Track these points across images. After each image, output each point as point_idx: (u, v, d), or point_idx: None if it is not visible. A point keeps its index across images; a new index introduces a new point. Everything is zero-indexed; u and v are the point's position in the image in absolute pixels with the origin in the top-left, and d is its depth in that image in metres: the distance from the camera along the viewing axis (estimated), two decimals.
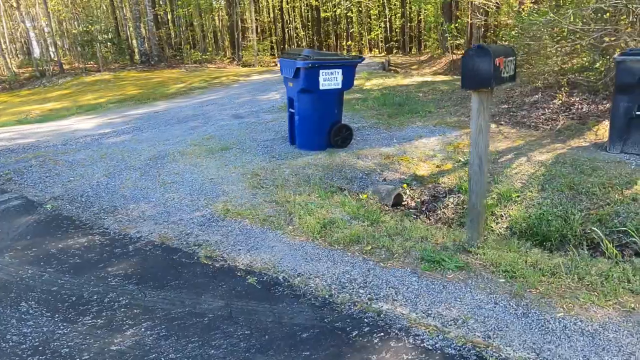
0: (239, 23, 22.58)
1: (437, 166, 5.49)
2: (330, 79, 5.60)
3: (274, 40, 26.41)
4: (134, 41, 20.70)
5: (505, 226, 4.32)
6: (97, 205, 4.15)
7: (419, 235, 3.25)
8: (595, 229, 3.53)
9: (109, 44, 19.53)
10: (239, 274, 2.80)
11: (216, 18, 25.05)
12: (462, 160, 5.52)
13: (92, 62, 19.51)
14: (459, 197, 4.85)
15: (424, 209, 4.78)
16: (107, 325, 2.28)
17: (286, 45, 39.39)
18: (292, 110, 5.93)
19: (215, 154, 5.80)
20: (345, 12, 31.08)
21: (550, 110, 7.29)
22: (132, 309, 2.42)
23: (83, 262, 2.97)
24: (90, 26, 17.81)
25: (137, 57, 20.71)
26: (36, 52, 20.02)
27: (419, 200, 4.93)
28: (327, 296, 2.52)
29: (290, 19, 38.28)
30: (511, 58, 2.80)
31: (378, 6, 32.41)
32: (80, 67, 18.96)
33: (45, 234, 3.49)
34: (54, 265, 2.92)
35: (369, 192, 4.75)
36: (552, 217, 4.12)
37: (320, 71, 5.48)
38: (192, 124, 8.01)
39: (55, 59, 20.85)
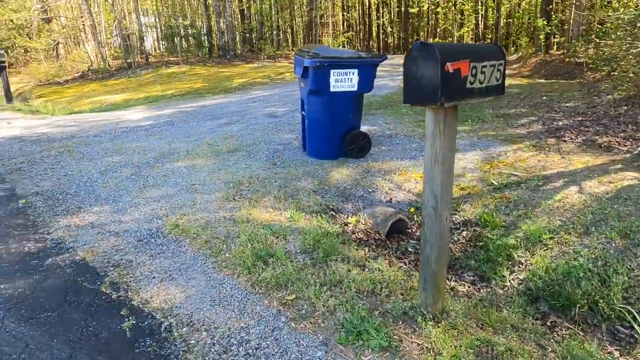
0: (318, 18, 22.35)
1: (462, 188, 4.56)
2: (343, 80, 4.92)
3: (350, 36, 25.77)
4: (215, 35, 21.48)
5: (521, 277, 3.35)
6: (64, 205, 3.99)
7: (368, 287, 2.52)
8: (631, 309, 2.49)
9: (190, 38, 20.47)
10: (123, 312, 2.35)
11: (296, 13, 25.11)
12: (495, 183, 4.53)
13: (174, 56, 20.64)
14: (475, 230, 3.94)
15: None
16: None
17: (370, 42, 38.53)
18: (303, 113, 5.36)
19: (220, 156, 5.45)
20: (432, 7, 29.31)
21: (635, 128, 5.81)
22: None
23: None
24: (173, 21, 18.76)
25: (215, 51, 21.48)
26: (147, 44, 21.67)
27: None
28: None
29: (379, 14, 37.25)
30: (489, 62, 1.96)
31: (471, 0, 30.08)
32: (163, 60, 20.14)
33: None
34: None
35: (362, 214, 4.03)
36: (584, 274, 3.08)
37: (331, 71, 4.83)
38: (223, 121, 7.80)
39: (156, 52, 22.50)
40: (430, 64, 1.74)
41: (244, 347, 2.06)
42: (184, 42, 19.93)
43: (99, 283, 2.64)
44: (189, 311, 2.36)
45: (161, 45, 24.81)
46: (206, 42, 20.91)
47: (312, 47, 5.17)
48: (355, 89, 5.00)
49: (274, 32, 24.36)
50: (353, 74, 4.93)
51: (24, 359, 2.00)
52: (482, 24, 29.56)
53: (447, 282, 2.99)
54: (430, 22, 35.02)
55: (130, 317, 2.29)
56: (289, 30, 25.27)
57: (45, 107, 11.92)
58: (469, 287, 3.15)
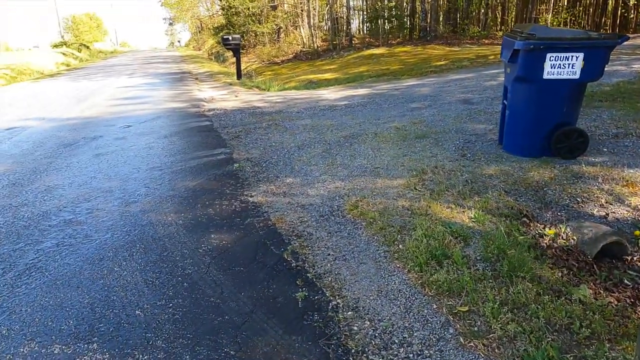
0: None
1: None
2: (562, 66, 4.17)
3: (577, 13, 21.81)
4: (417, 16, 21.14)
5: None
6: (266, 173, 4.53)
7: (562, 319, 2.09)
8: None
9: (393, 20, 20.64)
10: (298, 282, 2.51)
11: None
12: None
13: (375, 38, 21.19)
14: None
15: None
16: None
17: (604, 19, 31.97)
18: (505, 102, 4.78)
19: (406, 141, 5.36)
20: None
21: None
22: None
23: (197, 225, 3.31)
24: (379, 3, 19.18)
25: (416, 32, 21.17)
26: (353, 26, 23.18)
27: None
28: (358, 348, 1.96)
29: None
30: None
31: None
32: (365, 42, 20.92)
33: (209, 189, 4.08)
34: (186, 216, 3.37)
35: (565, 227, 3.41)
36: None
37: (548, 55, 4.14)
38: (415, 105, 7.65)
39: (360, 34, 23.70)
40: None
41: (405, 350, 1.96)
42: (386, 24, 20.22)
43: (282, 249, 2.91)
44: (356, 296, 2.38)
45: (365, 28, 25.84)
46: (408, 24, 20.79)
47: (526, 27, 4.51)
48: (577, 76, 4.18)
49: (482, 11, 22.54)
50: (576, 58, 4.12)
51: (218, 303, 2.36)
52: None
53: None
54: None
55: (304, 289, 2.45)
56: (500, 7, 22.97)
57: (264, 83, 13.83)
58: None
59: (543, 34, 4.21)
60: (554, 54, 4.12)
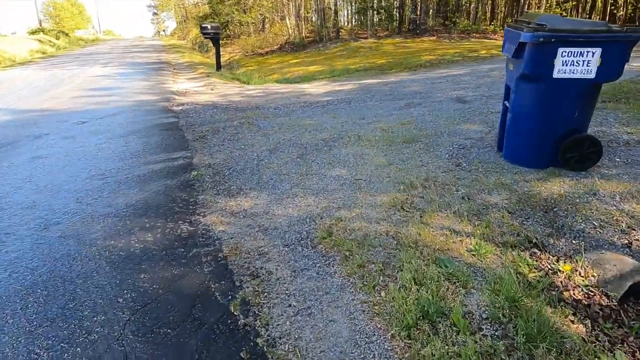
0: None
1: None
2: (575, 63, 3.55)
3: (569, 7, 21.32)
4: (407, 8, 20.46)
5: None
6: (228, 183, 3.84)
7: None
8: None
9: (382, 11, 19.91)
10: (243, 354, 1.85)
11: None
12: None
13: (363, 30, 20.46)
14: None
15: None
16: None
17: (593, 16, 31.67)
18: (507, 104, 4.16)
19: (393, 146, 4.71)
20: None
21: None
22: None
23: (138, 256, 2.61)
24: None
25: (405, 25, 20.49)
26: (340, 18, 22.36)
27: None
28: None
29: None
30: None
31: None
32: (352, 34, 20.18)
33: (154, 206, 3.38)
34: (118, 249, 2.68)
35: (582, 260, 2.80)
36: None
37: (559, 49, 3.51)
38: (403, 103, 7.00)
39: (347, 25, 22.94)
40: None
41: None
42: (375, 15, 19.50)
43: (230, 297, 2.23)
44: None
45: (353, 19, 25.05)
46: (397, 16, 20.10)
47: (534, 17, 3.88)
48: (593, 75, 3.57)
49: (472, 5, 21.94)
50: (592, 54, 3.50)
51: None
52: None
53: None
54: None
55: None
56: (489, 1, 22.40)
57: (245, 75, 13.05)
58: None
59: (555, 24, 3.57)
60: (567, 49, 3.50)
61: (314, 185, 3.72)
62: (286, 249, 2.71)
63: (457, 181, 3.71)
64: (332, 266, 2.49)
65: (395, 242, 2.73)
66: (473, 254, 2.65)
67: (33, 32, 40.30)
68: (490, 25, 20.01)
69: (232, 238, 2.86)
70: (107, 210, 3.27)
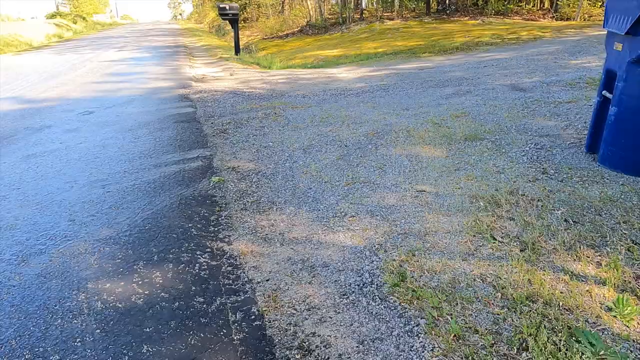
0: None
1: None
2: None
3: None
4: None
5: None
6: (257, 194, 3.08)
7: None
8: None
9: None
10: None
11: None
12: None
13: (388, 11, 19.30)
14: None
15: None
16: None
17: None
18: (607, 95, 3.27)
19: (453, 144, 3.88)
20: None
21: None
22: None
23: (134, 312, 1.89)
24: None
25: (433, 5, 19.25)
26: None
27: None
28: None
29: None
30: None
31: None
32: (377, 15, 19.05)
33: (165, 227, 2.64)
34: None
35: None
36: None
37: None
38: (449, 90, 6.11)
39: (371, 6, 21.79)
40: None
41: None
42: None
43: None
44: None
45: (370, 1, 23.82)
46: None
47: None
48: None
49: None
50: None
51: None
52: None
53: None
54: None
55: None
56: None
57: (265, 59, 12.22)
58: None
59: None
60: None
61: (365, 198, 2.93)
62: (344, 300, 1.94)
63: (550, 195, 2.87)
64: (417, 336, 1.72)
65: (499, 294, 1.93)
66: (614, 316, 1.84)
67: (51, 16, 40.12)
68: (527, 5, 18.60)
69: (268, 280, 2.11)
70: (106, 233, 2.55)
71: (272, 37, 20.54)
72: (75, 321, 1.82)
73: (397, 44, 13.50)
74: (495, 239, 2.37)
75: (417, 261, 2.19)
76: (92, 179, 3.37)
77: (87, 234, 2.54)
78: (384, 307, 1.89)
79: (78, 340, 1.71)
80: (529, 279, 2.02)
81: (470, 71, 7.65)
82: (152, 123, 5.06)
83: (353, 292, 2.00)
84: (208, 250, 2.38)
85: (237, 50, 12.91)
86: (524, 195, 2.88)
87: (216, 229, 2.62)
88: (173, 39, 22.00)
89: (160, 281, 2.11)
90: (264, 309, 1.90)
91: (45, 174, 3.52)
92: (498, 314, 1.81)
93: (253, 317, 1.86)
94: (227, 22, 15.70)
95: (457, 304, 1.87)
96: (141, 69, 10.06)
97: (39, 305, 1.93)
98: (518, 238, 2.38)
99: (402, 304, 1.90)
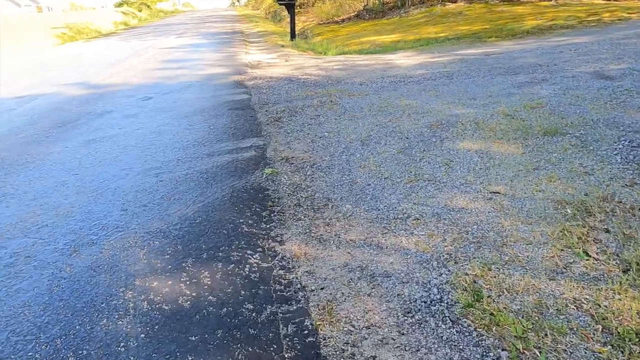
0: None
1: None
2: None
3: None
4: None
5: None
6: (311, 189, 2.89)
7: None
8: None
9: None
10: None
11: None
12: None
13: None
14: None
15: None
16: None
17: None
18: None
19: (530, 139, 3.46)
20: None
21: None
22: None
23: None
24: None
25: None
26: None
27: None
28: None
29: None
30: None
31: None
32: None
33: (216, 222, 2.51)
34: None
35: None
36: None
37: None
38: (522, 78, 5.57)
39: None
40: None
41: None
42: None
43: None
44: None
45: None
46: None
47: None
48: None
49: None
50: None
51: None
52: None
53: None
54: None
55: None
56: None
57: (321, 45, 11.98)
58: None
59: None
60: None
61: (430, 199, 2.64)
62: (409, 319, 1.70)
63: None
64: None
65: (599, 326, 1.60)
66: None
67: (119, 5, 42.22)
68: None
69: (322, 289, 1.91)
70: (156, 225, 2.46)
71: (328, 22, 20.20)
72: (121, 322, 1.72)
73: (460, 28, 12.71)
74: (590, 255, 2.02)
75: (494, 277, 1.89)
76: (147, 167, 3.34)
77: (138, 225, 2.47)
78: (456, 331, 1.63)
79: (122, 345, 1.61)
80: (637, 310, 1.67)
81: (544, 57, 6.97)
82: (207, 110, 5.02)
83: (419, 309, 1.75)
84: (259, 250, 2.23)
85: (293, 35, 12.76)
86: (620, 202, 2.46)
87: (268, 226, 2.46)
88: (230, 25, 22.29)
89: (209, 282, 1.97)
90: (318, 322, 1.71)
91: (102, 160, 3.54)
92: (600, 353, 1.49)
93: (306, 331, 1.67)
94: (284, 7, 15.59)
95: (546, 334, 1.58)
96: (199, 56, 10.18)
97: (87, 301, 1.86)
98: (618, 255, 2.01)
99: (478, 329, 1.63)
